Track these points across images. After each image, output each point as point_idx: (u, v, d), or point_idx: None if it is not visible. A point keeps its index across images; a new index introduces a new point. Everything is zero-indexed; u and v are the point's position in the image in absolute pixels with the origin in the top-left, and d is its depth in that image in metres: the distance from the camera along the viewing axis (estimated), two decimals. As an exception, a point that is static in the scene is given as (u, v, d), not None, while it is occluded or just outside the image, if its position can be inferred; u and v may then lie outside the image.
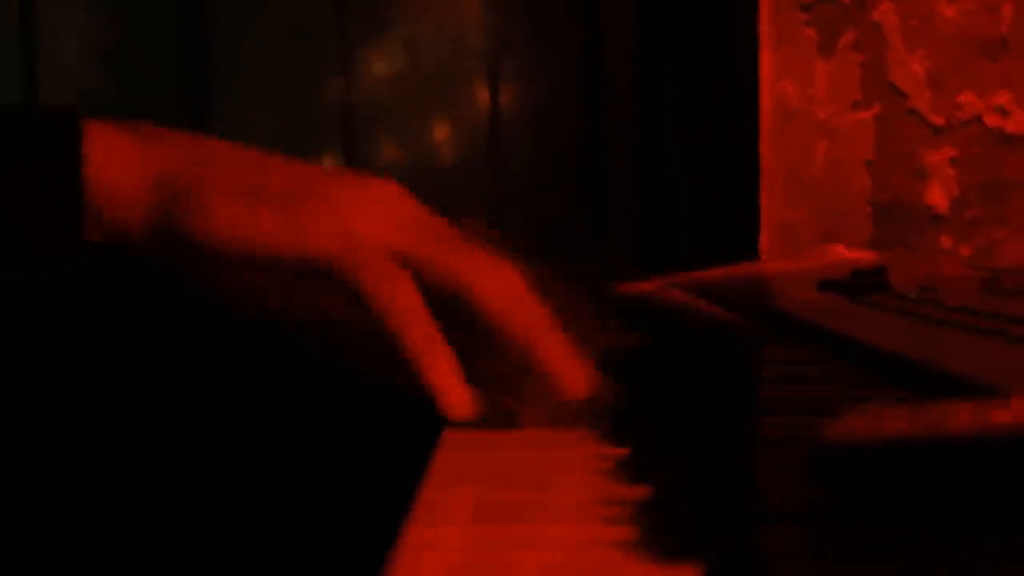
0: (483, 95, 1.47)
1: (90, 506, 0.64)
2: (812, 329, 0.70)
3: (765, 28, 1.31)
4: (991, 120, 1.30)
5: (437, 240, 0.50)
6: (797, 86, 1.31)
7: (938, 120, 1.30)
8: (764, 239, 1.31)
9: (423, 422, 0.50)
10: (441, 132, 1.49)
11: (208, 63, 1.45)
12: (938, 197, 1.31)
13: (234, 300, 0.50)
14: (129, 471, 0.64)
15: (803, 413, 0.45)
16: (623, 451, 0.44)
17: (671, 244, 1.33)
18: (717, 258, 1.21)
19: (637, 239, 1.36)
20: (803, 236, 1.31)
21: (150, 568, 0.66)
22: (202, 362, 0.61)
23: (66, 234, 0.46)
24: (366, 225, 0.49)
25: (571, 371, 0.50)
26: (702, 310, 0.81)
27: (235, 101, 1.46)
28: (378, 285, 0.48)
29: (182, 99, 1.46)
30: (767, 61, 1.31)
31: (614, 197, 1.40)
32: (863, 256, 1.26)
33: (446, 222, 0.51)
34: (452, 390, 0.48)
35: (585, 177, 1.43)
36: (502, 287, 0.49)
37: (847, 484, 0.31)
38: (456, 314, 0.50)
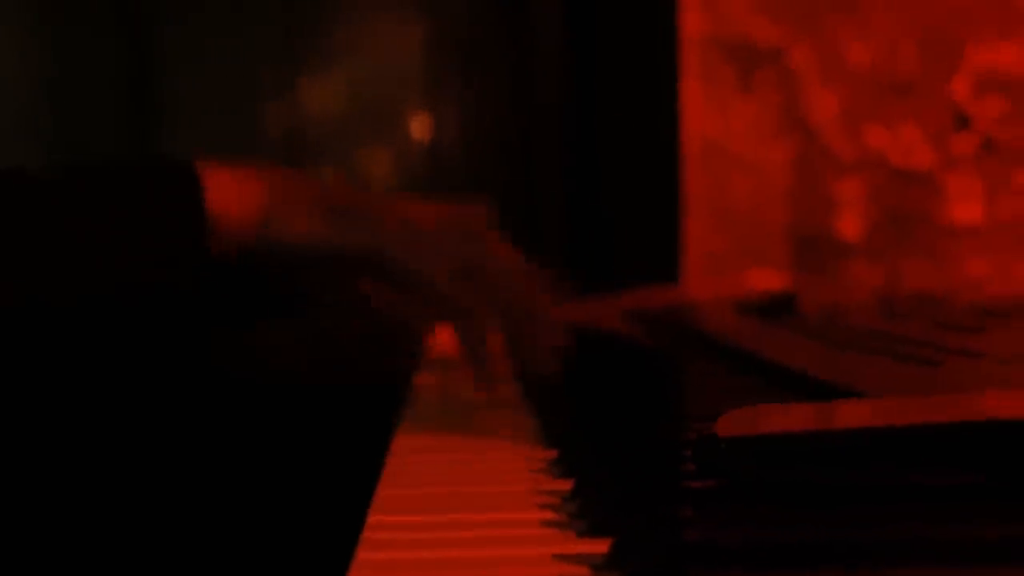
0: (420, 124, 1.53)
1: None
2: (729, 349, 0.76)
3: (687, 66, 1.38)
4: (897, 156, 1.38)
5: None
6: (718, 122, 1.39)
7: (848, 155, 1.38)
8: (687, 266, 1.39)
9: (376, 426, 0.56)
10: (380, 160, 1.55)
11: (153, 92, 1.50)
12: (849, 228, 1.39)
13: (303, 289, 0.65)
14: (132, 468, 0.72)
15: (711, 419, 0.52)
16: (553, 453, 0.51)
17: (599, 269, 1.40)
18: (642, 282, 1.28)
19: (567, 264, 1.43)
20: (724, 263, 1.39)
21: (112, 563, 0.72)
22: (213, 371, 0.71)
23: (197, 250, 0.60)
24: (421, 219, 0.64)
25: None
26: (622, 331, 0.88)
27: (179, 130, 1.51)
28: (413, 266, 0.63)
29: (127, 128, 1.50)
30: (689, 98, 1.39)
31: (545, 224, 1.47)
32: (777, 283, 1.34)
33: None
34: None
35: (517, 204, 1.49)
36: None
37: (733, 471, 0.38)
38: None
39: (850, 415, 0.38)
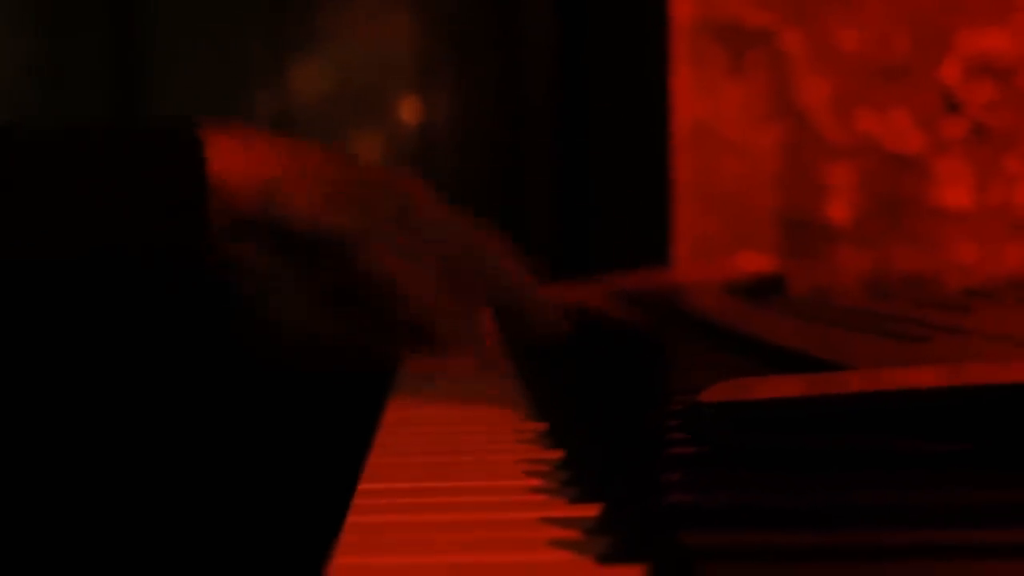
0: (409, 111, 1.53)
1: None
2: (716, 328, 0.77)
3: (677, 50, 1.38)
4: (887, 140, 1.38)
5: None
6: (708, 105, 1.39)
7: (839, 139, 1.38)
8: (677, 248, 1.39)
9: (366, 401, 0.56)
10: (368, 147, 1.55)
11: (140, 77, 1.50)
12: (839, 212, 1.39)
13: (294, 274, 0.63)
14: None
15: (692, 392, 0.52)
16: (542, 425, 0.51)
17: (588, 253, 1.40)
18: (632, 265, 1.28)
19: (556, 248, 1.43)
20: (713, 246, 1.39)
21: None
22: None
23: (196, 219, 0.59)
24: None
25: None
26: (611, 312, 0.88)
27: (167, 112, 1.51)
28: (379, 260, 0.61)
29: (115, 110, 1.50)
30: (679, 81, 1.39)
31: (535, 207, 1.47)
32: (766, 266, 1.34)
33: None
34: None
35: (506, 190, 1.50)
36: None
37: (716, 436, 0.38)
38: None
39: (836, 383, 0.39)
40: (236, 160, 0.61)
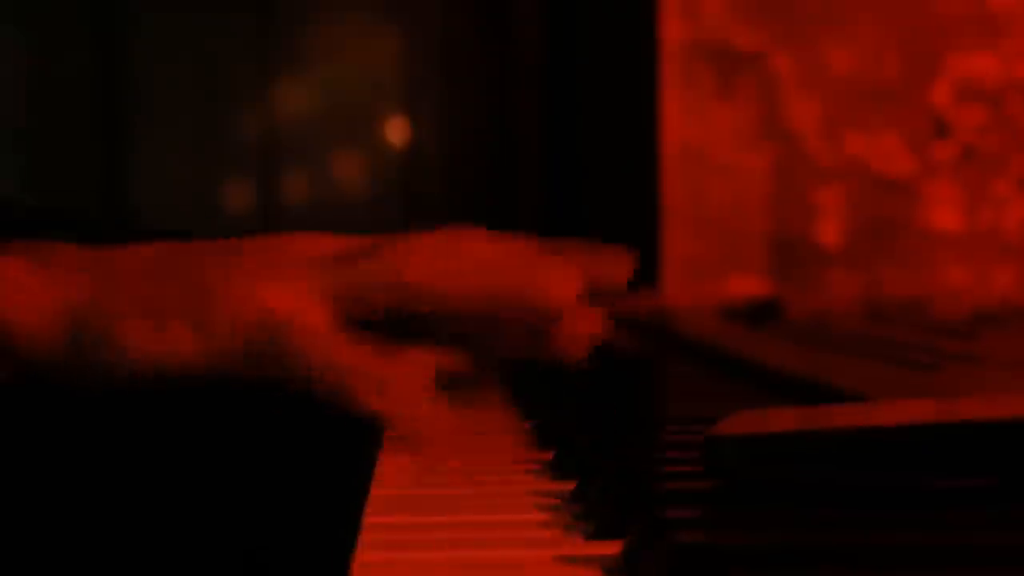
0: (397, 132, 1.52)
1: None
2: (714, 353, 0.76)
3: (667, 72, 1.38)
4: (877, 163, 1.38)
5: (353, 262, 0.49)
6: (698, 127, 1.38)
7: (828, 162, 1.38)
8: (666, 271, 1.38)
9: (364, 431, 0.55)
10: (356, 167, 1.53)
11: (127, 96, 1.48)
12: (829, 234, 1.39)
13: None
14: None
15: (703, 422, 0.51)
16: (548, 454, 0.50)
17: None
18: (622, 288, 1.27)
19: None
20: (703, 269, 1.38)
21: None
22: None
23: None
24: (280, 295, 0.48)
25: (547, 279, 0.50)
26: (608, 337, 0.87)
27: (153, 135, 1.50)
28: (309, 358, 0.47)
29: (101, 133, 1.49)
30: (669, 103, 1.38)
31: (524, 229, 1.46)
32: (757, 289, 1.34)
33: (357, 240, 0.50)
34: (413, 424, 0.47)
35: (494, 211, 1.49)
36: (430, 266, 0.49)
37: (735, 469, 0.37)
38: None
39: (854, 416, 0.38)
40: (29, 292, 0.48)
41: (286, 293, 0.48)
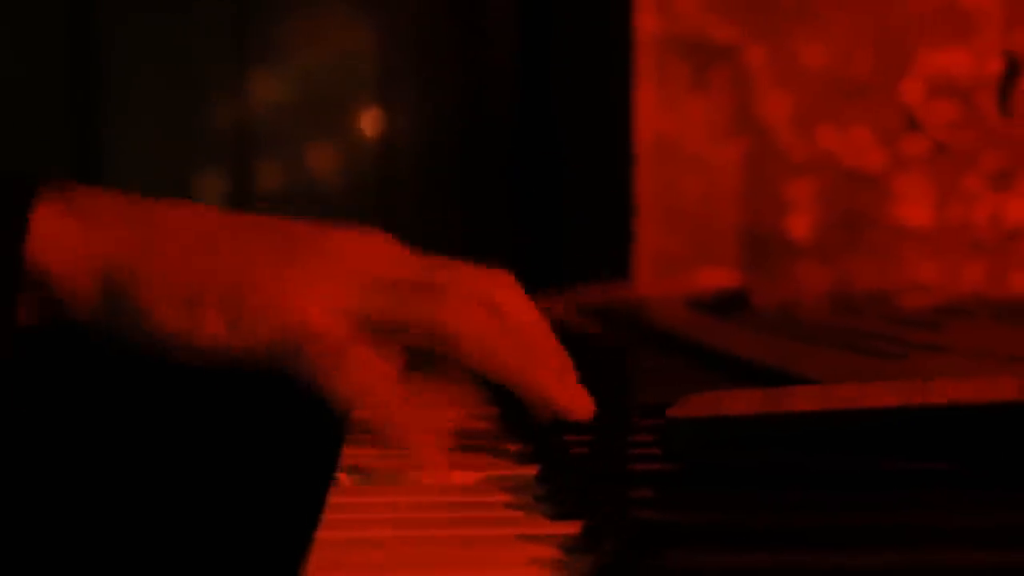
0: (371, 122, 1.52)
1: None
2: (681, 342, 0.76)
3: (641, 65, 1.38)
4: (848, 157, 1.39)
5: (400, 288, 0.48)
6: (671, 120, 1.39)
7: (800, 156, 1.39)
8: (639, 263, 1.39)
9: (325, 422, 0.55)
10: (330, 157, 1.53)
11: (100, 84, 1.48)
12: (800, 228, 1.39)
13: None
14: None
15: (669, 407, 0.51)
16: (516, 443, 0.50)
17: (550, 267, 1.40)
18: (594, 280, 1.28)
19: (517, 261, 1.42)
20: (675, 261, 1.39)
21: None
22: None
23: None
24: (317, 304, 0.47)
25: (573, 393, 0.48)
26: (574, 326, 0.88)
27: (127, 122, 1.49)
28: (336, 374, 0.46)
29: (74, 119, 1.49)
30: (643, 96, 1.39)
31: (497, 221, 1.47)
32: (730, 281, 1.34)
33: (419, 259, 0.49)
34: (431, 460, 0.46)
35: (469, 203, 1.49)
36: (473, 323, 0.47)
37: (691, 451, 0.38)
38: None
39: (810, 399, 0.38)
40: (70, 241, 0.47)
41: (323, 307, 0.47)
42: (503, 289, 0.50)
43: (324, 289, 0.48)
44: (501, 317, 0.49)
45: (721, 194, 1.39)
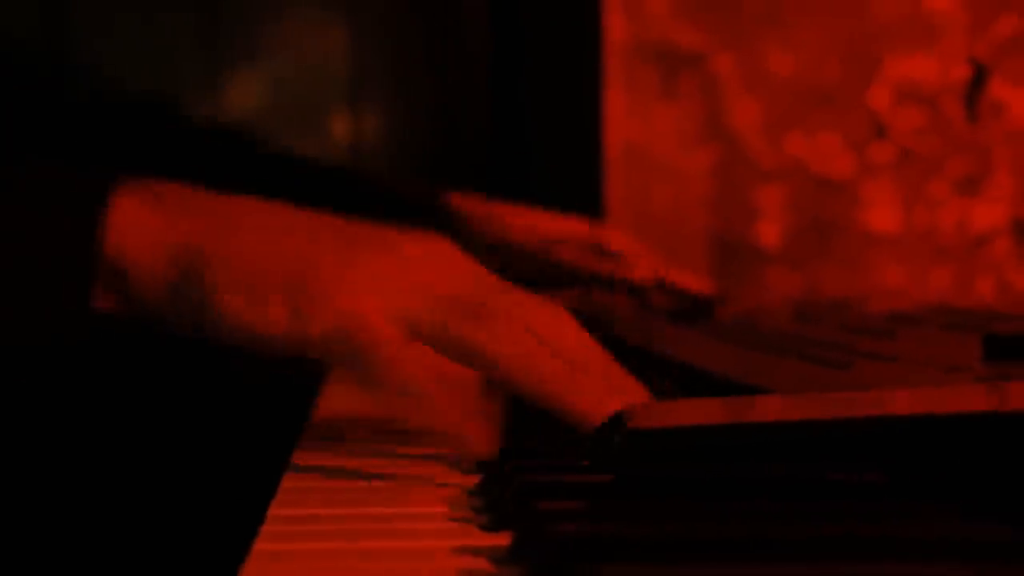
0: (343, 126, 1.53)
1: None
2: (639, 350, 0.77)
3: (611, 72, 1.39)
4: (817, 164, 1.39)
5: (454, 306, 0.49)
6: (640, 127, 1.40)
7: (769, 163, 1.39)
8: (608, 270, 1.39)
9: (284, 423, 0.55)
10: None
11: (71, 84, 1.48)
12: (769, 234, 1.40)
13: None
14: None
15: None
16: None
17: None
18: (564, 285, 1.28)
19: (488, 265, 1.43)
20: (644, 268, 1.39)
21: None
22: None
23: (75, 302, 0.48)
24: (375, 304, 0.49)
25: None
26: None
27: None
28: (389, 371, 0.48)
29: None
30: (612, 103, 1.39)
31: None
32: (697, 287, 1.35)
33: (478, 279, 0.51)
34: (481, 447, 0.47)
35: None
36: (517, 348, 0.48)
37: (622, 463, 0.38)
38: None
39: (749, 410, 0.39)
40: (146, 229, 0.49)
41: (379, 310, 0.48)
42: (554, 318, 0.50)
43: (382, 293, 0.49)
44: (547, 343, 0.49)
45: (691, 201, 1.40)
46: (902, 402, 0.41)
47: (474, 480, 0.45)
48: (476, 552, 0.36)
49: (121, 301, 0.49)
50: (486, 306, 0.49)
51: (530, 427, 0.54)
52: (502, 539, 0.37)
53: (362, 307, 0.48)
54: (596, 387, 0.48)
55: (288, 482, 0.46)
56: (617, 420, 0.39)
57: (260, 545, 0.37)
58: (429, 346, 0.49)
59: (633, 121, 1.39)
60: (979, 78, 1.36)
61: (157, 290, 0.49)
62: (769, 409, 0.40)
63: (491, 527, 0.39)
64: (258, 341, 0.49)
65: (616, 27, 1.39)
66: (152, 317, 0.50)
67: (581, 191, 1.40)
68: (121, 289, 0.49)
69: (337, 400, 0.67)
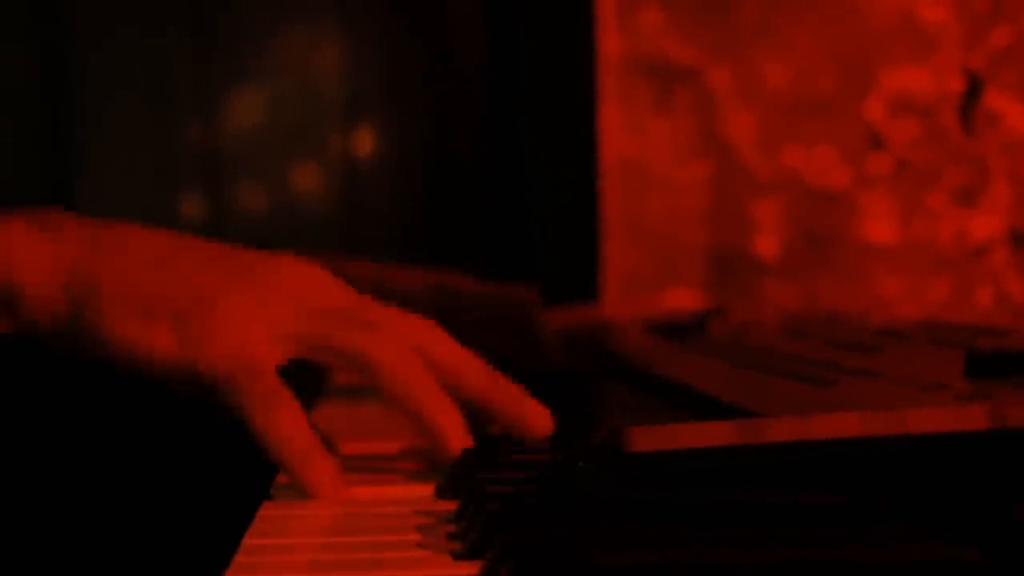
0: (339, 142, 1.53)
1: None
2: (633, 368, 0.77)
3: (606, 86, 1.39)
4: (813, 176, 1.39)
5: (337, 318, 0.52)
6: (636, 141, 1.39)
7: (765, 175, 1.39)
8: (606, 284, 1.39)
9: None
10: (299, 177, 1.54)
11: (71, 107, 1.48)
12: (766, 247, 1.40)
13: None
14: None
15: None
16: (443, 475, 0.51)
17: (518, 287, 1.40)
18: (561, 302, 1.28)
19: (486, 282, 1.43)
20: (642, 282, 1.39)
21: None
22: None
23: None
24: (259, 330, 0.51)
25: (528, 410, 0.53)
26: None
27: (98, 145, 1.50)
28: (260, 412, 0.49)
29: (45, 143, 1.49)
30: (608, 118, 1.39)
31: (464, 244, 1.47)
32: (694, 302, 1.35)
33: (354, 296, 0.53)
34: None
35: (436, 225, 1.49)
36: (399, 355, 0.51)
37: (595, 489, 0.38)
38: None
39: (717, 434, 0.38)
40: (38, 254, 0.50)
41: (268, 331, 0.51)
42: (431, 331, 0.53)
43: (268, 314, 0.51)
44: (425, 355, 0.52)
45: (687, 214, 1.40)
46: (873, 423, 0.41)
47: (448, 507, 0.45)
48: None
49: (15, 324, 0.51)
50: (368, 317, 0.52)
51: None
52: (475, 568, 0.37)
53: (249, 333, 0.50)
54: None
55: (265, 510, 0.46)
56: (591, 446, 0.39)
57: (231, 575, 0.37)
58: (316, 358, 0.52)
59: (628, 135, 1.39)
60: (974, 89, 1.36)
61: (49, 313, 0.51)
62: (734, 433, 0.40)
63: (464, 555, 0.39)
64: (147, 365, 0.50)
65: (611, 42, 1.39)
66: (47, 340, 0.51)
67: (577, 205, 1.40)
68: (13, 313, 0.51)
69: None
